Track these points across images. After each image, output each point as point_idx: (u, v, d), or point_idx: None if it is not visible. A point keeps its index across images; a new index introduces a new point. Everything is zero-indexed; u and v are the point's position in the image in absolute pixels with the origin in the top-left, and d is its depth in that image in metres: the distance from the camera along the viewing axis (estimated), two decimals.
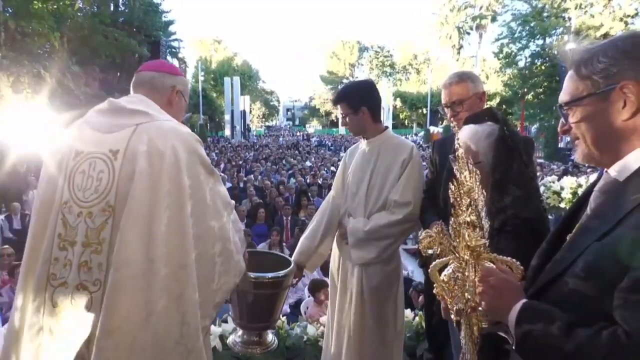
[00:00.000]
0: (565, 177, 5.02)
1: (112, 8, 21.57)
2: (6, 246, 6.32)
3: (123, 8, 22.93)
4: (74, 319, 1.47)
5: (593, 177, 4.50)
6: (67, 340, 1.47)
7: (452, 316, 1.19)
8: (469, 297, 1.14)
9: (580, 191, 4.40)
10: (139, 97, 1.72)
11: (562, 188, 4.63)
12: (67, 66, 11.44)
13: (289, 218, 8.48)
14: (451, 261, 1.24)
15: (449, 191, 1.21)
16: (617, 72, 1.00)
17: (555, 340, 0.96)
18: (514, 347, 1.05)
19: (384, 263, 2.56)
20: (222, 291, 1.68)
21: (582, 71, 1.05)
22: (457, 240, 1.19)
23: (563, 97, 1.10)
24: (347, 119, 2.63)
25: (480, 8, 42.72)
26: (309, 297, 5.10)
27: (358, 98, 2.58)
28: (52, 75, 10.44)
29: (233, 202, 1.82)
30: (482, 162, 1.58)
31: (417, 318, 3.66)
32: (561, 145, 24.55)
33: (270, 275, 2.14)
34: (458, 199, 1.19)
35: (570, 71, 1.10)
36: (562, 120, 1.13)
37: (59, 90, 10.46)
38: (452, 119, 2.48)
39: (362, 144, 2.73)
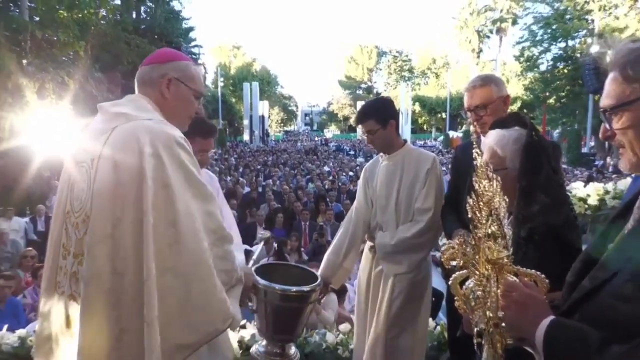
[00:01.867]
0: (591, 183, 4.86)
1: (134, 16, 22.09)
2: (30, 248, 6.47)
3: (145, 16, 23.46)
4: (72, 328, 1.46)
5: (622, 183, 4.35)
6: (67, 351, 1.46)
7: (474, 339, 1.14)
8: (491, 314, 1.09)
9: (607, 198, 4.26)
10: (129, 98, 1.61)
11: (588, 195, 4.49)
12: (90, 73, 11.72)
13: (307, 223, 8.47)
14: (471, 276, 1.20)
15: (467, 205, 1.17)
16: None
17: (587, 357, 0.90)
18: None
19: (416, 272, 2.62)
20: (189, 333, 1.41)
21: (629, 73, 0.98)
22: (477, 256, 1.14)
23: (606, 101, 1.03)
24: (374, 136, 2.66)
25: (501, 11, 42.21)
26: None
27: (385, 112, 2.66)
28: (76, 82, 10.70)
29: (232, 236, 1.61)
30: (509, 168, 1.53)
31: (438, 327, 3.58)
32: (584, 150, 24.01)
33: (295, 288, 2.14)
34: (477, 212, 1.14)
35: (613, 73, 1.03)
36: (604, 125, 1.05)
37: (81, 96, 10.69)
38: (474, 123, 2.42)
39: (382, 159, 2.79)
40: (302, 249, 6.98)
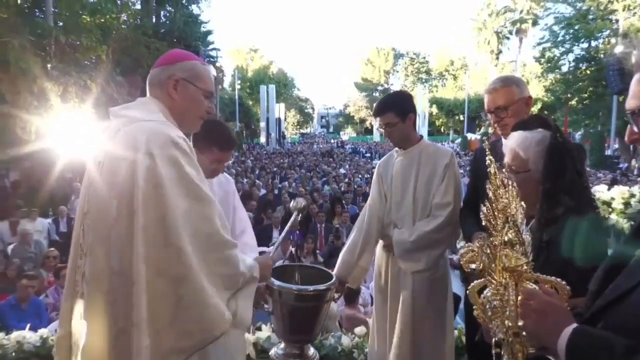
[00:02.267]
0: (615, 187, 4.74)
1: (154, 20, 22.45)
2: (52, 249, 6.61)
3: (164, 20, 23.81)
4: (82, 327, 1.48)
5: None
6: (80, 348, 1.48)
7: (493, 349, 1.11)
8: (510, 323, 1.06)
9: (633, 201, 4.14)
10: (139, 101, 1.62)
11: (612, 198, 4.38)
12: (111, 76, 11.95)
13: (323, 225, 8.45)
14: (487, 285, 1.17)
15: (481, 214, 1.15)
16: None
17: None
18: None
19: (434, 270, 2.59)
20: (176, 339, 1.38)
21: None
22: (493, 264, 1.12)
23: (633, 102, 1.00)
24: (393, 129, 2.62)
25: (521, 12, 41.56)
26: (341, 308, 5.04)
27: (403, 106, 2.63)
28: (98, 85, 10.93)
29: (232, 242, 1.53)
30: (532, 170, 1.50)
31: (456, 332, 3.53)
32: (608, 152, 23.47)
33: (312, 287, 2.14)
34: (492, 220, 1.12)
35: (639, 74, 1.00)
36: (630, 127, 1.02)
37: (103, 99, 10.90)
38: (495, 125, 2.38)
39: (398, 155, 2.75)
40: (318, 251, 6.98)
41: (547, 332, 1.00)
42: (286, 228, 2.21)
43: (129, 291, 1.34)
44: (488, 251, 1.14)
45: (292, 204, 2.28)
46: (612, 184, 7.66)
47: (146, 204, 1.35)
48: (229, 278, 1.51)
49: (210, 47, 29.52)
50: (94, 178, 1.49)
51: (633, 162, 21.48)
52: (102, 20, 12.06)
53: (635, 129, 1.00)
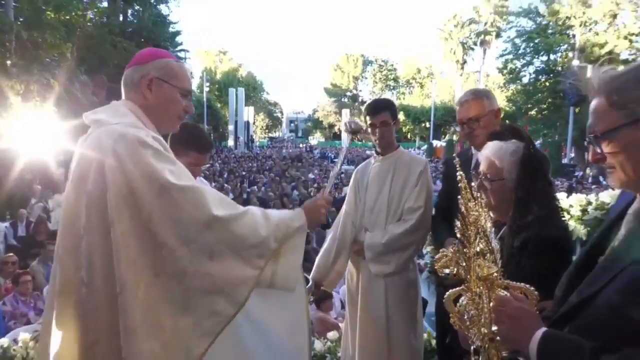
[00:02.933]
0: (573, 194, 4.98)
1: (121, 18, 21.87)
2: (10, 254, 6.31)
3: (132, 19, 23.24)
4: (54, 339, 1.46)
5: (604, 195, 4.47)
6: None
7: (472, 356, 1.16)
8: (485, 330, 1.12)
9: (590, 209, 4.36)
10: (112, 104, 1.56)
11: (571, 205, 4.59)
12: (75, 75, 11.57)
13: None
14: (463, 294, 1.24)
15: (456, 229, 1.21)
16: None
17: None
18: None
19: (404, 273, 2.68)
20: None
21: (615, 99, 1.03)
22: (468, 276, 1.18)
23: (596, 127, 1.07)
24: (387, 128, 2.72)
25: (485, 24, 43.00)
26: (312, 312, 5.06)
27: (395, 110, 2.77)
28: (61, 84, 10.55)
29: (233, 215, 1.44)
30: (506, 179, 1.58)
31: (425, 335, 3.61)
32: (565, 161, 24.54)
33: None
34: (466, 233, 1.19)
35: (598, 99, 1.07)
36: (593, 149, 1.09)
37: (66, 99, 10.53)
38: (466, 136, 2.48)
39: (375, 161, 2.83)
40: None
41: (519, 336, 1.06)
42: (340, 157, 2.08)
43: (106, 301, 1.31)
44: (464, 264, 1.20)
45: (344, 124, 2.08)
46: (568, 191, 8.00)
47: (120, 211, 1.29)
48: (250, 249, 1.43)
49: (179, 47, 28.97)
50: (67, 186, 1.45)
51: (587, 170, 22.56)
52: (67, 17, 11.65)
53: (599, 150, 1.07)
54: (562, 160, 23.80)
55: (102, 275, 1.32)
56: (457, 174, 1.29)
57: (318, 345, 3.42)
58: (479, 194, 1.26)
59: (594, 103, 1.08)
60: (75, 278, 1.34)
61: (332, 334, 3.55)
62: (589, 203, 4.48)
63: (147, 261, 1.32)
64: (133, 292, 1.30)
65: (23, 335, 3.26)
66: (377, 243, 2.63)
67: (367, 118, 2.72)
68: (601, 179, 17.70)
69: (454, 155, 1.90)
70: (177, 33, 28.35)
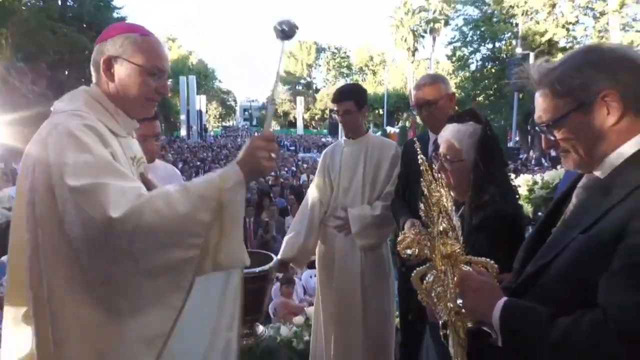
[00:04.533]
0: (521, 175, 5.26)
1: (59, 3, 20.54)
2: None
3: (72, 3, 21.87)
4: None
5: (548, 174, 4.76)
6: None
7: (440, 330, 1.21)
8: (451, 304, 1.18)
9: (536, 188, 4.64)
10: (77, 89, 1.44)
11: (518, 186, 4.85)
12: (12, 63, 10.79)
13: (252, 219, 8.40)
14: (428, 272, 1.30)
15: (420, 211, 1.27)
16: (594, 84, 1.06)
17: (539, 332, 1.01)
18: (500, 344, 1.09)
19: (379, 250, 2.81)
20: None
21: (558, 88, 1.10)
22: (434, 254, 1.24)
23: (545, 116, 1.14)
24: (349, 116, 2.76)
25: (434, 12, 43.92)
26: (274, 298, 5.08)
27: (362, 98, 2.80)
28: None
29: (141, 195, 1.22)
30: (465, 160, 1.65)
31: None
32: (510, 144, 25.72)
33: (258, 269, 2.35)
34: (429, 214, 1.24)
35: (541, 90, 1.14)
36: (545, 137, 1.17)
37: (2, 89, 9.84)
38: (423, 119, 2.57)
39: (346, 144, 2.89)
40: (248, 245, 6.95)
41: (483, 307, 1.13)
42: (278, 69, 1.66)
43: (40, 307, 1.22)
44: (428, 243, 1.25)
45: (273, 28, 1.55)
46: (514, 173, 8.41)
47: (42, 213, 1.19)
48: (176, 234, 1.22)
49: None
50: (17, 180, 1.37)
51: (531, 153, 23.80)
52: (0, 1, 10.82)
53: (551, 137, 1.15)
54: (507, 143, 24.93)
55: (34, 278, 1.23)
56: (419, 157, 1.34)
57: (284, 330, 3.45)
58: (439, 175, 1.31)
59: (538, 95, 1.15)
60: (20, 281, 1.28)
61: (297, 319, 3.59)
62: (535, 183, 4.76)
63: (69, 270, 1.19)
64: (61, 301, 1.19)
65: None
66: (367, 214, 2.72)
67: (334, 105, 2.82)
68: (543, 160, 18.74)
69: (414, 139, 1.96)
70: (123, 19, 27.08)
